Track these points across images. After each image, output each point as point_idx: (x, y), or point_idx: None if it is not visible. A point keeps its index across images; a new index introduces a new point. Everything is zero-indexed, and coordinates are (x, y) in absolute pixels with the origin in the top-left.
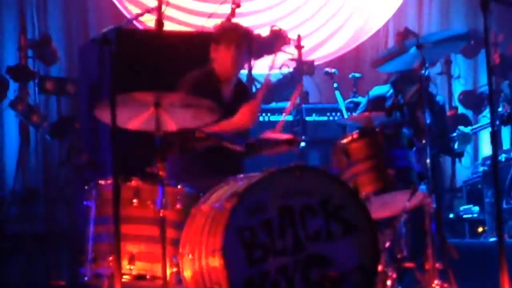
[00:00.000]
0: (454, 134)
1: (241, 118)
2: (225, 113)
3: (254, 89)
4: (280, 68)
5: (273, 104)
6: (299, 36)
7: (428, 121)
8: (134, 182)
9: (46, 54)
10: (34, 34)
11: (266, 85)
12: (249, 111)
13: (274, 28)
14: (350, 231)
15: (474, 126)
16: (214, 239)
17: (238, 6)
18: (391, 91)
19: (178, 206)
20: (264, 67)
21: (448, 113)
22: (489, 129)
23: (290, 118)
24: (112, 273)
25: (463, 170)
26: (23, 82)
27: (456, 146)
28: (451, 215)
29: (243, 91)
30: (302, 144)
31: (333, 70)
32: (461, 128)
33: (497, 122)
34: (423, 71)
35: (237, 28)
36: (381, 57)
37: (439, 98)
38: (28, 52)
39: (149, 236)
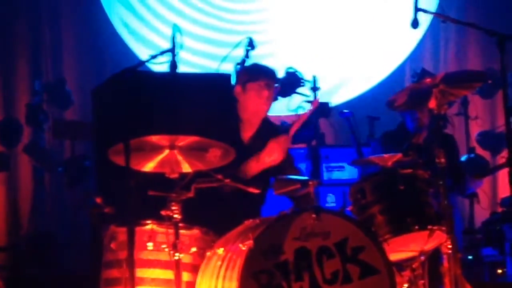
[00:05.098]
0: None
1: (267, 153)
2: (243, 155)
3: None
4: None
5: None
6: (314, 78)
7: (445, 162)
8: (149, 226)
9: (61, 97)
10: (47, 77)
11: (314, 107)
12: (277, 147)
13: (289, 70)
14: (367, 273)
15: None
16: (230, 283)
17: (253, 48)
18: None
19: (193, 249)
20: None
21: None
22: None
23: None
24: None
25: (482, 211)
26: (37, 126)
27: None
28: (470, 257)
29: (270, 134)
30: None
31: (348, 112)
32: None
33: None
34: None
35: (267, 69)
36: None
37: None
38: (42, 96)
39: (164, 280)
